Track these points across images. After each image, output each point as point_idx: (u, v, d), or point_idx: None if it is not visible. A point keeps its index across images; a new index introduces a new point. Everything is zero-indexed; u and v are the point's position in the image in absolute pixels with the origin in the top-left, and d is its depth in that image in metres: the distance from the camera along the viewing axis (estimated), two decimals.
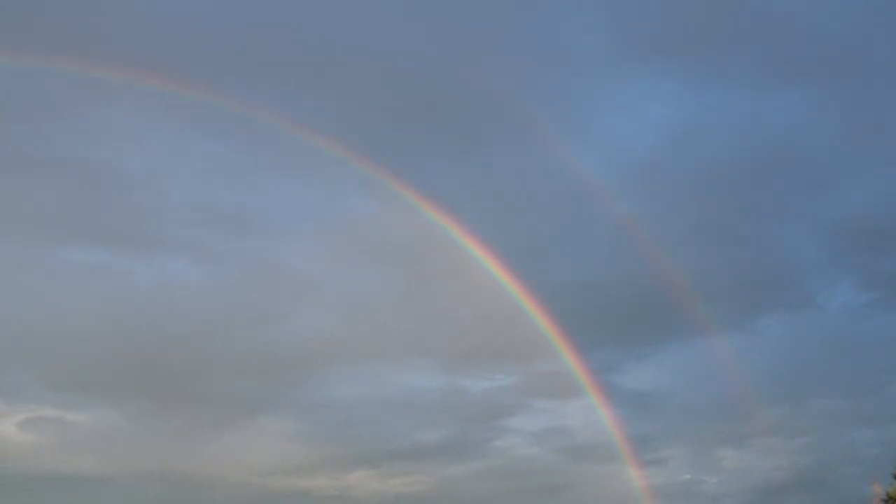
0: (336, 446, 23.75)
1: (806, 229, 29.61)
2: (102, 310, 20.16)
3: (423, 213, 23.35)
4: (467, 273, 24.44)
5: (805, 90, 28.00)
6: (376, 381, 25.87)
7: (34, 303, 19.58)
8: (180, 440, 21.49)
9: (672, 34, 24.72)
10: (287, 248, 23.07)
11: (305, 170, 22.89)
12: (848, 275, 30.66)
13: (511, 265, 23.64)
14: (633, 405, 27.25)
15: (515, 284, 23.96)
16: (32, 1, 17.69)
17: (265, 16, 20.45)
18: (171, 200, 21.63)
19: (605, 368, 26.06)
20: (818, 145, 28.61)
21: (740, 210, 27.58)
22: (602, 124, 26.54)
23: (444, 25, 22.36)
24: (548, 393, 26.16)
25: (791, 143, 28.24)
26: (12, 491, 19.36)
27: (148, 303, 20.96)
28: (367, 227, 23.44)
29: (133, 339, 20.30)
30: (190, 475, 21.54)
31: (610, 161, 25.11)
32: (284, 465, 22.74)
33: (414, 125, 23.34)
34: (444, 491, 25.03)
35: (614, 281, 24.71)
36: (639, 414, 27.35)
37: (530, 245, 24.44)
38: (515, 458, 26.53)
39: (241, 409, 22.59)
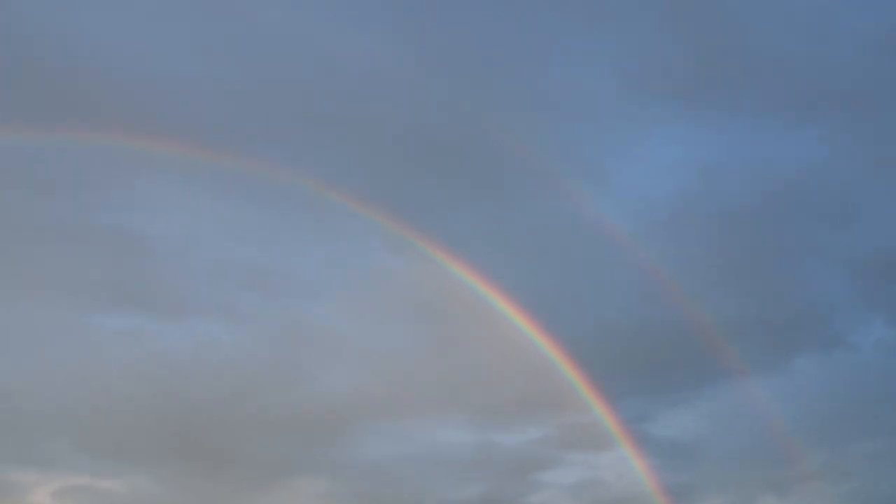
0: None
1: (833, 266, 29.25)
2: (136, 374, 20.45)
3: (448, 267, 23.54)
4: (494, 326, 24.47)
5: (822, 125, 28.02)
6: (408, 438, 25.71)
7: (68, 369, 19.95)
8: None
9: (683, 77, 25.09)
10: (314, 307, 23.35)
11: (329, 228, 23.28)
12: (880, 311, 30.13)
13: (537, 316, 23.64)
14: (668, 454, 26.74)
15: (543, 336, 23.93)
16: (55, 78, 18.45)
17: (281, 76, 21.11)
18: (199, 264, 22.04)
19: (637, 417, 25.69)
20: (839, 180, 28.48)
21: (764, 249, 27.41)
22: (619, 170, 26.74)
23: (459, 79, 22.87)
24: (581, 445, 25.81)
25: (811, 179, 28.13)
26: None
27: (180, 366, 21.21)
28: (392, 283, 23.62)
29: (166, 402, 20.52)
30: None
31: (630, 207, 25.22)
32: None
33: (435, 179, 23.69)
34: None
35: (641, 328, 24.55)
36: (674, 463, 26.81)
37: (555, 295, 24.46)
38: None
39: (274, 471, 22.56)
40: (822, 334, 29.31)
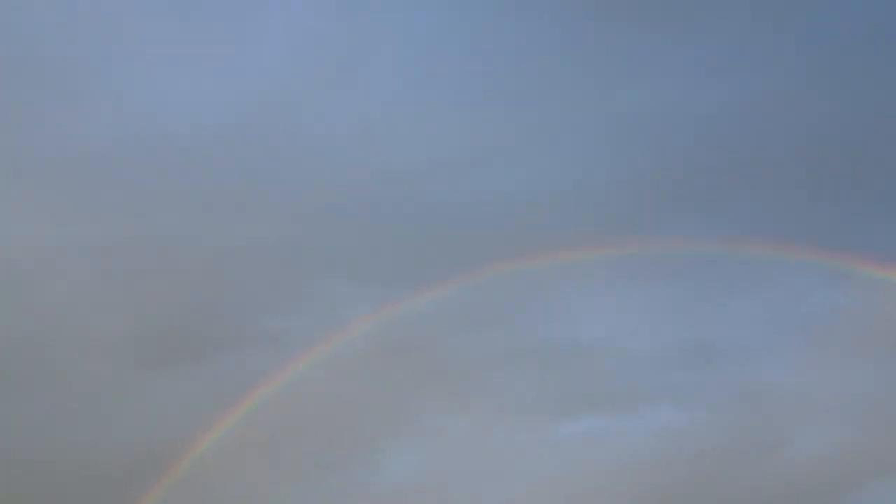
0: None
1: None
2: (605, 472, 21.16)
3: None
4: None
5: None
6: None
7: (543, 478, 21.55)
8: None
9: None
10: (765, 369, 21.68)
11: (757, 283, 21.91)
12: None
13: None
14: None
15: None
16: (452, 236, 21.53)
17: (656, 146, 21.33)
18: (638, 354, 22.42)
19: None
20: None
21: None
22: None
23: (843, 87, 20.53)
24: None
25: None
26: None
27: (642, 456, 21.39)
28: (845, 321, 20.96)
29: (640, 494, 20.71)
30: None
31: None
32: None
33: (852, 196, 21.03)
34: None
35: None
36: None
37: None
38: None
39: None
40: None
